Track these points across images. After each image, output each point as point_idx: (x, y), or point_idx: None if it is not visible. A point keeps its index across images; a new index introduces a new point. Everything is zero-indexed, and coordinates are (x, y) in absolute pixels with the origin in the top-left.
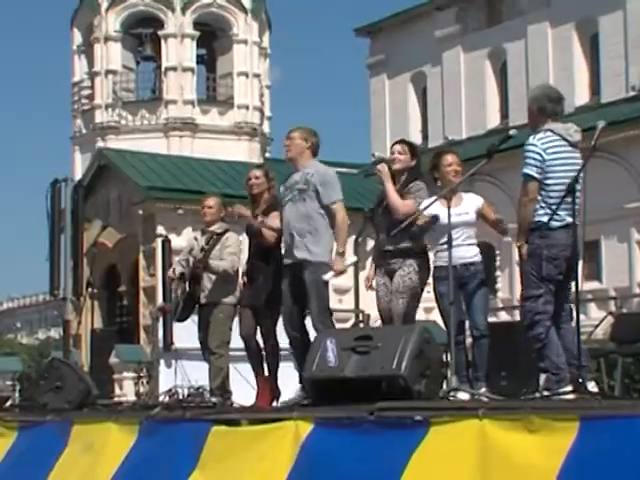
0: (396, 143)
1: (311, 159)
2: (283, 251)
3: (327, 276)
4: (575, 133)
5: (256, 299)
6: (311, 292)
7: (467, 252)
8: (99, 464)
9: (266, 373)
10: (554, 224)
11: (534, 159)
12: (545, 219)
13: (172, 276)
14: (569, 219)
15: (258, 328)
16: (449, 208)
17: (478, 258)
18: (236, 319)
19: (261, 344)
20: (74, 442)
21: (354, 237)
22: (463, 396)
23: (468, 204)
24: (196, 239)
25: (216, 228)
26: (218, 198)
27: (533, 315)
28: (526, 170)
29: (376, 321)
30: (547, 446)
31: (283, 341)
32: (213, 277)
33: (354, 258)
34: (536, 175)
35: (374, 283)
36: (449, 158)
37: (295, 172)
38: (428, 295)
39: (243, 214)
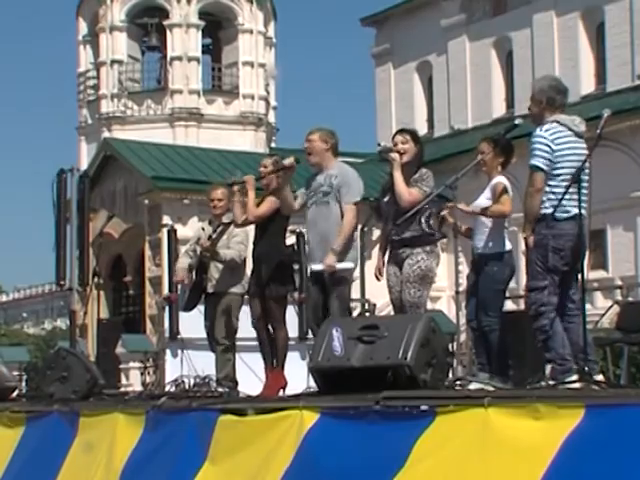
0: (397, 133)
1: (333, 160)
2: (307, 252)
3: (313, 266)
4: (580, 124)
5: (264, 289)
6: (332, 293)
7: (479, 242)
8: (108, 455)
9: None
10: (560, 215)
11: (542, 150)
12: (551, 210)
13: (180, 279)
14: (575, 210)
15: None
16: (454, 197)
17: (488, 250)
18: (243, 308)
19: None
20: (82, 434)
21: (360, 226)
22: (472, 385)
23: (485, 190)
24: (203, 229)
25: (224, 218)
26: (225, 189)
27: (538, 306)
28: (533, 161)
29: (382, 310)
30: (549, 429)
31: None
32: (220, 267)
33: (350, 265)
34: (543, 166)
35: (384, 272)
36: (478, 146)
37: (318, 174)
38: (433, 285)
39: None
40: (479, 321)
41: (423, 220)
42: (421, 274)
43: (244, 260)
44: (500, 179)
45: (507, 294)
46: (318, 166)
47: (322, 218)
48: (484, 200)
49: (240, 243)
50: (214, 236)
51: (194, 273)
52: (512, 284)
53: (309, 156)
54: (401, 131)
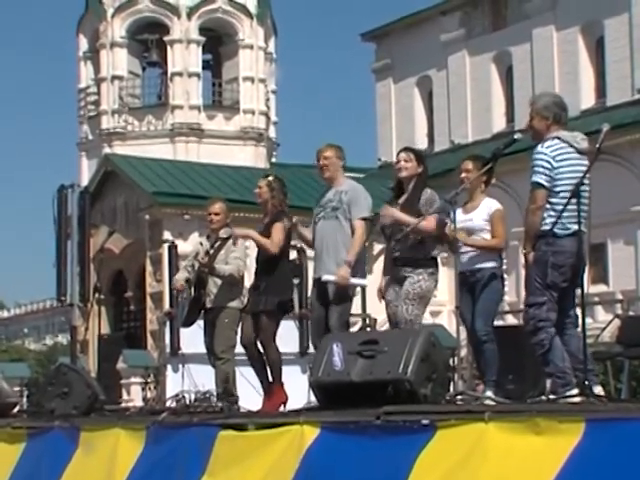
0: (401, 151)
1: (343, 175)
2: (313, 265)
3: (326, 276)
4: (582, 141)
5: (257, 306)
6: (333, 306)
7: (473, 259)
8: (109, 471)
9: (270, 379)
10: (561, 232)
11: (543, 167)
12: (551, 226)
13: (179, 287)
14: (575, 226)
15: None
16: (453, 212)
17: (487, 264)
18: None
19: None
20: (83, 449)
21: None
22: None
23: (480, 210)
24: (201, 244)
25: (222, 233)
26: (223, 203)
27: (536, 322)
28: (535, 178)
29: (383, 325)
30: (551, 445)
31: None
32: (219, 281)
33: (364, 282)
34: (545, 183)
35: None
36: (462, 165)
37: (328, 190)
38: (434, 299)
39: (242, 235)
40: (476, 331)
41: (428, 242)
42: (420, 293)
43: (242, 275)
44: (497, 205)
45: (508, 308)
46: (330, 181)
47: (328, 231)
48: (481, 222)
49: (238, 258)
50: (211, 251)
51: (193, 288)
52: (514, 298)
53: (324, 172)
54: (405, 149)
